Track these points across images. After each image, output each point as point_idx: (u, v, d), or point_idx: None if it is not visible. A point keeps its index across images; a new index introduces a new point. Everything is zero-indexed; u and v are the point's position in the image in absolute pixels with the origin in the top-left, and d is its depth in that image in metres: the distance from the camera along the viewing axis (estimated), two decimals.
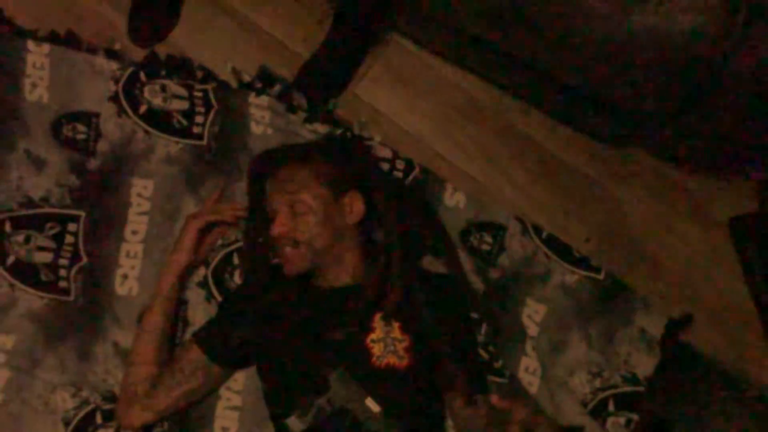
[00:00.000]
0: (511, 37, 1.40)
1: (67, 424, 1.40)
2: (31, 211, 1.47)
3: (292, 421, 1.23)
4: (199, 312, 1.48)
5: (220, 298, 1.48)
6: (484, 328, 1.48)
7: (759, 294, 1.61)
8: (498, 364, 1.46)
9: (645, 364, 1.51)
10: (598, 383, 1.50)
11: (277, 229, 1.29)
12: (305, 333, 1.31)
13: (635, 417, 1.48)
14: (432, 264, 1.49)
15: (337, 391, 1.23)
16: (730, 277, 1.63)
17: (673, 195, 1.66)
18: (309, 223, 1.30)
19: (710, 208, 1.66)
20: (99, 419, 1.41)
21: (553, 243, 1.56)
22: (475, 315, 1.47)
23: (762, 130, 1.41)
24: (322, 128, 1.56)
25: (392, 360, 1.27)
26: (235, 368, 1.42)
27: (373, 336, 1.28)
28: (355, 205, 1.34)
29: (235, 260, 1.50)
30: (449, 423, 1.41)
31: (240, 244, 1.50)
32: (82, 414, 1.40)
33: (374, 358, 1.26)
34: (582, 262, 1.56)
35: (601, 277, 1.56)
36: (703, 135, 1.51)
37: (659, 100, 1.39)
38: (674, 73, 1.30)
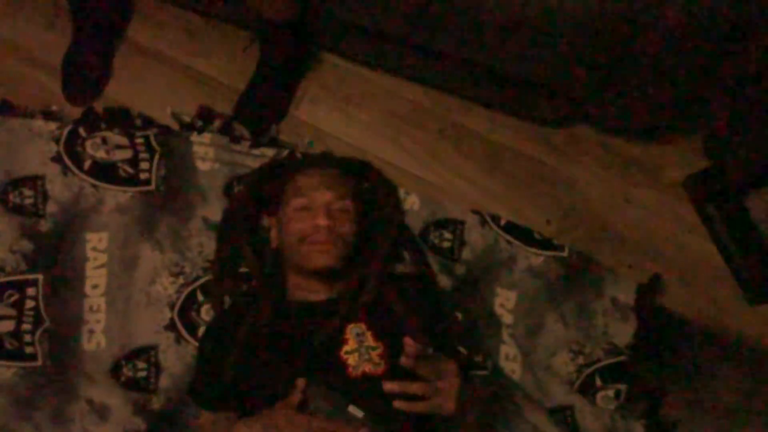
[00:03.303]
0: (433, 33, 1.42)
1: None
2: None
3: None
4: (171, 355, 1.46)
5: (189, 338, 1.46)
6: (459, 323, 1.46)
7: (726, 248, 1.60)
8: (479, 357, 1.45)
9: (623, 333, 1.49)
10: (581, 360, 1.49)
11: (323, 221, 1.31)
12: (281, 350, 1.29)
13: (624, 387, 1.46)
14: (404, 269, 1.49)
15: (318, 404, 1.21)
16: (695, 236, 1.62)
17: (624, 165, 1.66)
18: (348, 224, 1.35)
19: (662, 171, 1.66)
20: None
21: (513, 229, 1.55)
22: (448, 311, 1.46)
23: (688, 81, 1.42)
24: (269, 152, 1.56)
25: (368, 368, 1.25)
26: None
27: (346, 348, 1.27)
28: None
29: (200, 297, 1.48)
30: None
31: (202, 281, 1.49)
32: None
33: (350, 369, 1.25)
34: (545, 243, 1.55)
35: (565, 254, 1.54)
36: (635, 97, 1.51)
37: (589, 68, 1.41)
38: (596, 36, 1.31)
